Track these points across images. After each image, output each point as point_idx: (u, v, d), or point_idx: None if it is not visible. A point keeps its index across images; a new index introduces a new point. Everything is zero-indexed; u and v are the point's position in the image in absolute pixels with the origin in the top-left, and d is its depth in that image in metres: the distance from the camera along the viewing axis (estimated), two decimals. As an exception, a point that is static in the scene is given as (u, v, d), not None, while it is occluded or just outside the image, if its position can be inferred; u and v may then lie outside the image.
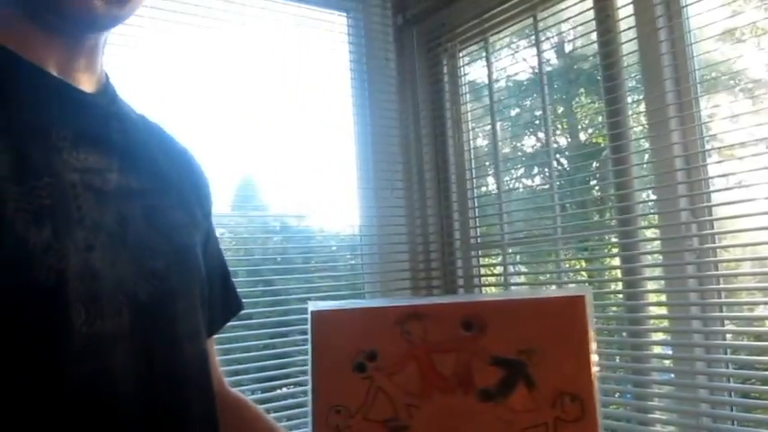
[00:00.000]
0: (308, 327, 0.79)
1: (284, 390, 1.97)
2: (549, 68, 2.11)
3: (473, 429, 0.73)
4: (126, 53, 1.67)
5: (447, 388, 0.74)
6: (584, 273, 2.06)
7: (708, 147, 1.62)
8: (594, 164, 2.07)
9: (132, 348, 0.65)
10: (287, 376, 1.94)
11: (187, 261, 0.76)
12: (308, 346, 0.79)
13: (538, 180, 2.33)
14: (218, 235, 0.92)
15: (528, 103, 2.31)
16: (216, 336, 0.90)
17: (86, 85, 0.73)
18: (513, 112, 2.35)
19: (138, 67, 1.71)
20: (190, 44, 1.88)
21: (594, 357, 0.69)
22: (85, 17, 0.67)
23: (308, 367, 0.78)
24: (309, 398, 0.78)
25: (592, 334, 0.68)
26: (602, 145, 2.03)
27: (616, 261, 1.96)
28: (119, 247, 0.66)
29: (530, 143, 2.42)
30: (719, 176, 1.59)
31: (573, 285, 1.94)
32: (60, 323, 0.59)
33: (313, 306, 0.79)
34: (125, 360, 0.64)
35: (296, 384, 1.97)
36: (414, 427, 0.76)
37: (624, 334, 1.79)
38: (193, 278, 0.76)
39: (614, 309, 1.84)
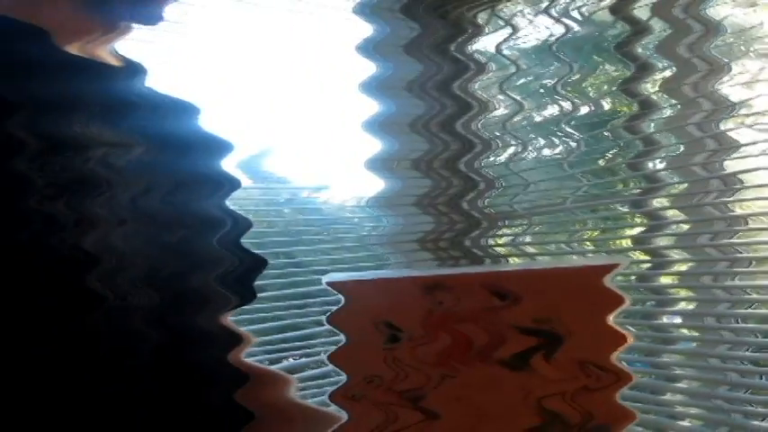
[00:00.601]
0: (333, 298, 0.79)
1: (291, 360, 1.97)
2: (563, 35, 2.07)
3: (503, 396, 0.74)
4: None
5: (476, 356, 0.74)
6: (601, 243, 2.04)
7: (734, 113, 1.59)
8: (606, 134, 2.04)
9: (158, 319, 0.66)
10: (298, 348, 1.94)
11: (207, 233, 0.77)
12: (333, 319, 0.79)
13: (556, 150, 2.30)
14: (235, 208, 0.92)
15: (541, 70, 2.27)
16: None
17: (109, 61, 0.73)
18: (525, 80, 2.32)
19: (154, 45, 1.69)
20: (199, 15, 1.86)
21: (620, 326, 0.68)
22: None
23: (338, 338, 0.79)
24: (338, 370, 0.79)
25: (620, 303, 0.68)
26: (616, 113, 2.00)
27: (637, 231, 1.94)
28: (142, 221, 0.67)
29: (546, 112, 2.39)
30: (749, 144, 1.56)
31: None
32: (92, 296, 0.60)
33: (329, 278, 0.79)
34: (152, 330, 0.65)
35: (310, 355, 1.97)
36: (444, 396, 0.76)
37: (648, 304, 1.77)
38: (211, 249, 0.77)
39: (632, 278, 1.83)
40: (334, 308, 0.75)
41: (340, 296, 0.75)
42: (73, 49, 0.69)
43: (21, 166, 0.59)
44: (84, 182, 0.63)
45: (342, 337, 0.77)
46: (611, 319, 0.68)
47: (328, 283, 0.75)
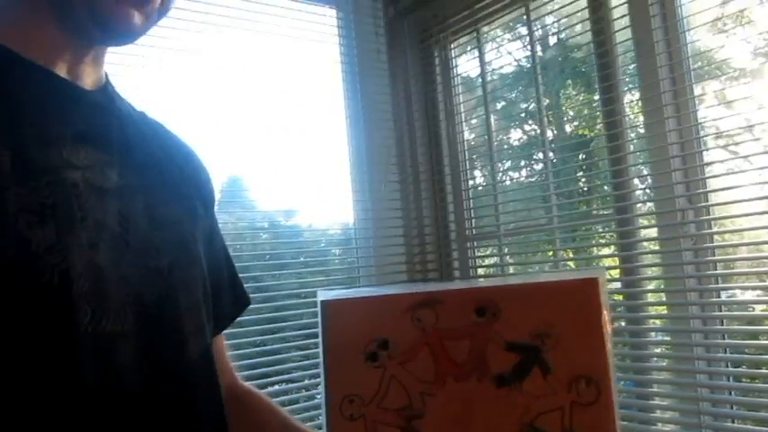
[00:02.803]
0: (319, 316, 0.79)
1: (276, 387, 1.96)
2: (542, 59, 2.11)
3: (488, 415, 0.73)
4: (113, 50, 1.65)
5: (461, 374, 0.74)
6: (580, 263, 2.07)
7: (702, 133, 1.63)
8: (581, 155, 2.08)
9: (138, 346, 0.64)
10: (279, 373, 1.93)
11: (189, 257, 0.75)
12: (320, 337, 0.79)
13: (532, 171, 2.34)
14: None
15: (521, 94, 2.32)
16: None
17: (88, 82, 0.72)
18: (506, 104, 2.36)
19: (125, 64, 1.69)
20: (178, 40, 1.86)
21: (609, 340, 0.68)
22: (125, 30, 0.68)
23: (320, 358, 0.78)
24: (322, 388, 0.78)
25: (606, 316, 0.68)
26: (596, 135, 2.04)
27: (612, 251, 1.97)
28: (122, 246, 0.66)
29: (523, 135, 2.42)
30: (714, 163, 1.60)
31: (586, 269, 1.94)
32: (66, 323, 0.58)
33: (323, 295, 0.79)
34: (131, 358, 0.63)
35: (289, 381, 1.96)
36: (428, 415, 0.75)
37: (623, 323, 1.79)
38: (196, 274, 0.75)
39: (613, 297, 1.85)
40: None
41: (327, 313, 0.75)
42: (55, 68, 0.68)
43: None
44: (60, 206, 0.61)
45: (322, 357, 0.76)
46: (602, 331, 0.68)
47: (322, 301, 0.74)
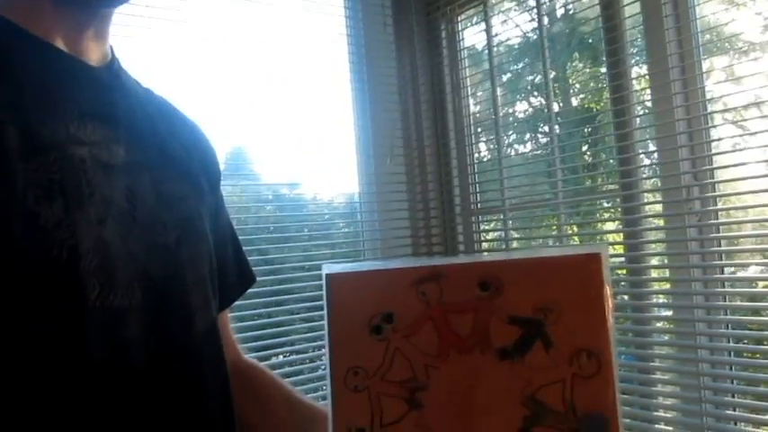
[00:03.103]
0: (323, 290, 0.79)
1: (281, 358, 1.98)
2: (549, 32, 2.09)
3: (492, 388, 0.74)
4: (120, 20, 1.64)
5: (464, 347, 0.74)
6: (584, 238, 2.07)
7: (710, 109, 1.62)
8: (587, 129, 2.07)
9: (145, 321, 0.65)
10: (283, 345, 1.95)
11: (195, 234, 0.75)
12: (324, 310, 0.79)
13: (537, 145, 2.33)
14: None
15: (528, 67, 2.30)
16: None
17: (93, 58, 0.72)
18: (511, 77, 2.34)
19: (134, 37, 1.69)
20: (182, 11, 1.85)
21: (611, 314, 0.69)
22: None
23: (325, 331, 0.79)
24: (327, 360, 0.79)
25: (608, 291, 0.69)
26: (602, 109, 2.03)
27: (617, 226, 1.97)
28: (129, 222, 0.66)
29: (529, 108, 2.41)
30: (721, 139, 1.60)
31: (589, 244, 1.95)
32: (74, 298, 0.59)
33: (328, 269, 0.79)
34: (138, 333, 0.64)
35: (295, 352, 1.98)
36: (432, 387, 0.76)
37: (626, 297, 1.80)
38: (202, 250, 0.76)
39: (616, 272, 1.86)
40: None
41: (332, 287, 0.76)
42: (57, 44, 0.68)
43: (2, 167, 0.57)
44: (67, 182, 0.61)
45: (327, 330, 0.77)
46: (604, 305, 0.68)
47: (327, 274, 0.75)
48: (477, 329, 0.73)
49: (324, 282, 0.77)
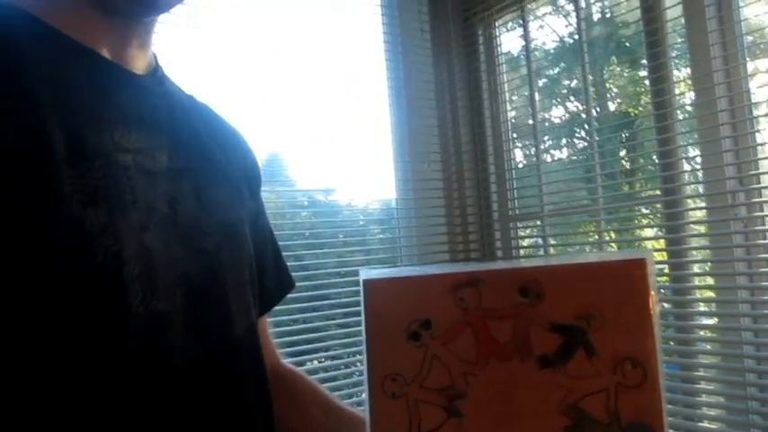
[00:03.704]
0: (361, 296, 0.79)
1: (316, 363, 1.98)
2: (588, 36, 2.06)
3: (532, 396, 0.72)
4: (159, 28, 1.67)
5: (504, 355, 0.73)
6: (624, 244, 2.03)
7: (756, 113, 1.58)
8: (625, 134, 2.04)
9: (186, 325, 0.65)
10: (319, 350, 1.95)
11: (236, 239, 0.76)
12: (362, 316, 0.79)
13: (575, 150, 2.30)
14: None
15: (564, 71, 2.27)
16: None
17: (137, 65, 0.73)
18: (548, 81, 2.32)
19: (169, 43, 1.71)
20: (220, 17, 1.87)
21: (656, 322, 0.67)
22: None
23: (363, 337, 0.78)
24: (365, 366, 0.78)
25: (654, 297, 0.67)
26: (640, 113, 1.99)
27: (656, 232, 1.93)
28: (170, 228, 0.67)
29: (568, 113, 2.38)
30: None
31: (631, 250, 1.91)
32: (117, 303, 0.59)
33: (365, 274, 0.79)
34: (180, 337, 0.64)
35: (330, 358, 1.98)
36: (471, 395, 0.75)
37: (668, 305, 1.76)
38: (242, 255, 0.76)
39: (659, 280, 1.82)
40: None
41: (370, 292, 0.75)
42: (102, 52, 0.69)
43: (50, 172, 0.58)
44: (112, 189, 0.62)
45: (364, 336, 0.76)
46: (649, 312, 0.66)
47: (364, 280, 0.74)
48: (516, 336, 0.71)
49: (361, 287, 0.76)
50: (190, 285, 0.66)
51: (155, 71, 0.77)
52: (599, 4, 2.10)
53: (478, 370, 0.72)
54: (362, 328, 0.76)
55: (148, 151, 0.68)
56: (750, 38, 1.62)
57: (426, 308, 0.75)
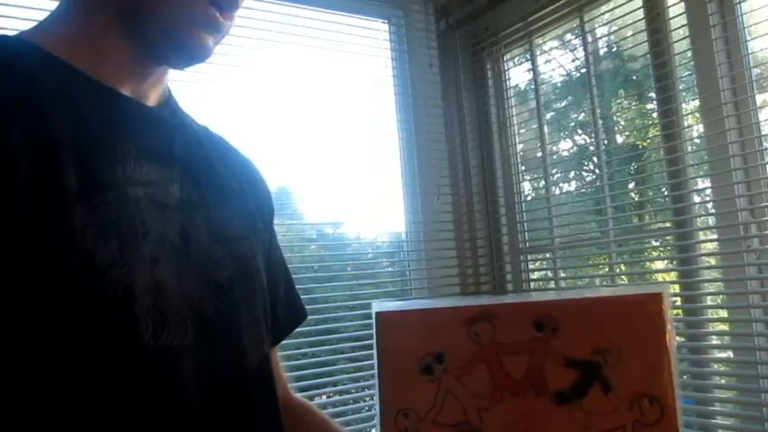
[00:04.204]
0: (374, 328, 0.78)
1: (324, 398, 1.96)
2: (596, 69, 2.08)
3: (544, 433, 0.71)
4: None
5: (519, 390, 0.72)
6: (635, 277, 2.02)
7: (766, 144, 1.57)
8: (633, 166, 2.04)
9: (198, 361, 0.64)
10: (328, 384, 1.93)
11: (249, 272, 0.75)
12: (374, 349, 0.78)
13: (583, 183, 2.30)
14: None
15: (572, 104, 2.29)
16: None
17: (151, 98, 0.74)
18: (555, 114, 2.33)
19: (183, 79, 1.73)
20: (232, 55, 1.89)
21: (674, 357, 0.66)
22: (199, 53, 0.70)
23: (375, 370, 0.77)
24: (377, 401, 0.77)
25: (671, 332, 0.66)
26: (648, 145, 1.99)
27: (666, 265, 1.92)
28: (182, 261, 0.66)
29: (574, 146, 2.39)
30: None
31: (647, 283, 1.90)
32: (128, 337, 0.59)
33: (378, 307, 0.78)
34: (191, 372, 0.64)
35: (339, 393, 1.96)
36: (485, 431, 0.74)
37: (682, 338, 1.74)
38: (256, 288, 0.76)
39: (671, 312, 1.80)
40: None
41: (382, 325, 0.74)
42: (114, 86, 0.70)
43: (62, 206, 0.58)
44: (123, 222, 0.62)
45: (377, 370, 0.75)
46: (666, 348, 0.65)
47: (377, 312, 0.74)
48: (532, 371, 0.71)
49: (373, 320, 0.76)
50: (201, 318, 0.66)
51: (167, 102, 0.77)
52: (606, 39, 2.11)
53: (493, 405, 0.71)
54: (375, 361, 0.76)
55: (160, 183, 0.68)
56: (757, 70, 1.62)
57: (440, 341, 0.74)
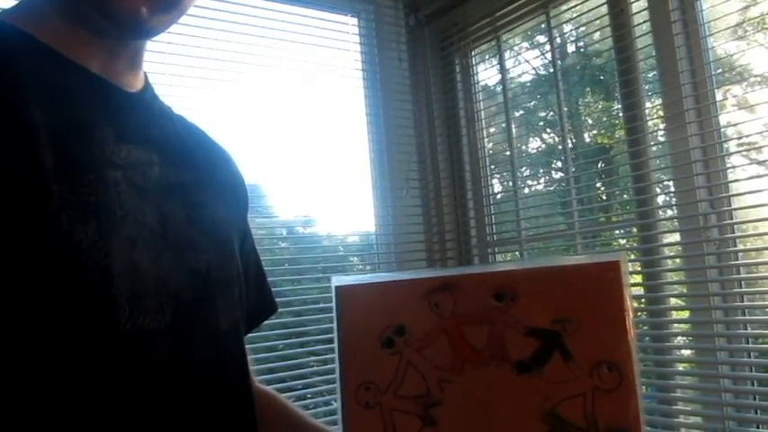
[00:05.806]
0: (333, 302, 0.78)
1: (295, 392, 1.96)
2: (562, 67, 2.10)
3: (509, 402, 0.72)
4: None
5: (480, 361, 0.73)
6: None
7: (724, 138, 1.61)
8: (600, 164, 2.06)
9: (174, 345, 0.64)
10: (296, 378, 1.93)
11: (226, 257, 0.75)
12: (334, 323, 0.78)
13: (551, 180, 2.33)
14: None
15: (540, 102, 2.31)
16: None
17: (128, 83, 0.73)
18: (524, 112, 2.35)
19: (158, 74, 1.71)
20: (198, 47, 1.87)
21: (632, 324, 0.67)
22: (131, 23, 0.67)
23: (335, 344, 0.77)
24: (338, 375, 0.77)
25: (628, 300, 0.67)
26: (615, 143, 2.02)
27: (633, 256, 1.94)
28: (160, 244, 0.66)
29: (543, 142, 2.42)
30: (738, 167, 1.58)
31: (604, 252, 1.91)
32: (105, 319, 0.59)
33: (337, 281, 0.78)
34: (167, 356, 0.63)
35: (306, 386, 1.96)
36: (446, 402, 0.74)
37: (645, 327, 1.77)
38: (232, 274, 0.76)
39: (635, 303, 1.82)
40: (334, 312, 0.74)
41: (342, 299, 0.74)
42: (92, 68, 0.69)
43: (39, 188, 0.58)
44: (101, 204, 0.62)
45: (337, 344, 0.75)
46: (624, 315, 0.66)
47: (336, 287, 0.74)
48: (492, 342, 0.71)
49: (333, 294, 0.76)
50: (178, 303, 0.65)
51: (145, 89, 0.77)
52: (572, 35, 2.14)
53: (454, 376, 0.72)
54: (335, 335, 0.76)
55: (139, 166, 0.68)
56: (719, 68, 1.65)
57: (400, 314, 0.74)
